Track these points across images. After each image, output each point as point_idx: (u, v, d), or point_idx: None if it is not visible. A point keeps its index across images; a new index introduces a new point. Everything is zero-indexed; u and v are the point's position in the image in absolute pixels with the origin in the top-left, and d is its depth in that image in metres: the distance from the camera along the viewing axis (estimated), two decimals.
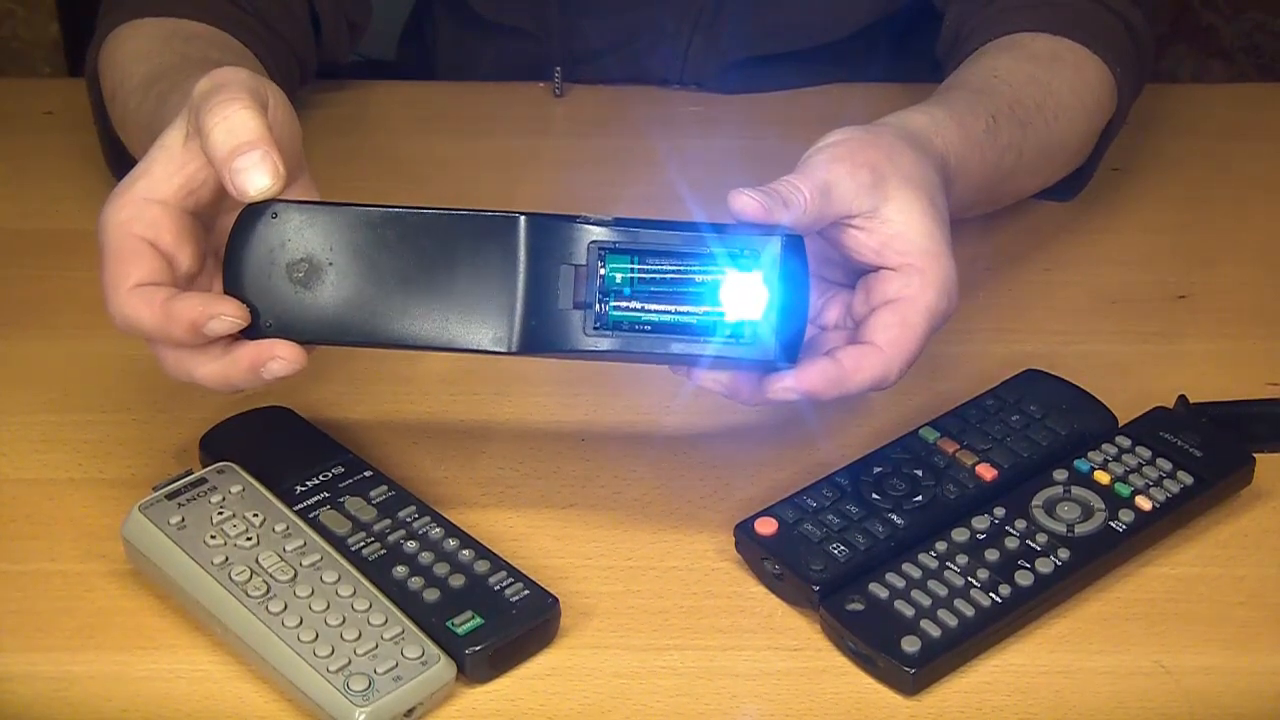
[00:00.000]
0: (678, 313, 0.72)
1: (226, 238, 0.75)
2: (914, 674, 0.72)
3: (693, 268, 0.72)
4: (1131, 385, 0.88)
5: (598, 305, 0.72)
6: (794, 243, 0.72)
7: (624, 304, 0.72)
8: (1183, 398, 0.87)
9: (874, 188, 0.77)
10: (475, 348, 0.73)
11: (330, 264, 0.73)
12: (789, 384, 0.75)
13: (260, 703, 0.72)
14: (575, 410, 0.89)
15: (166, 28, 0.98)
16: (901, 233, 0.77)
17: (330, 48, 1.12)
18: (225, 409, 0.85)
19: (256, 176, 0.72)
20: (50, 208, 1.08)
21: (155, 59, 0.94)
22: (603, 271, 0.72)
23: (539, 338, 0.72)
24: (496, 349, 0.72)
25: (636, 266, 0.72)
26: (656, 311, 0.72)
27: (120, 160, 1.03)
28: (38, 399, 0.90)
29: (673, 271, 0.72)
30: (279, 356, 0.73)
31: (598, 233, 0.71)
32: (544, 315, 0.72)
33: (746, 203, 0.73)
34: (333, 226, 0.73)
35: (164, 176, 0.73)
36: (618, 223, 0.72)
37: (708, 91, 1.21)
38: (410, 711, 0.70)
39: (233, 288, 0.73)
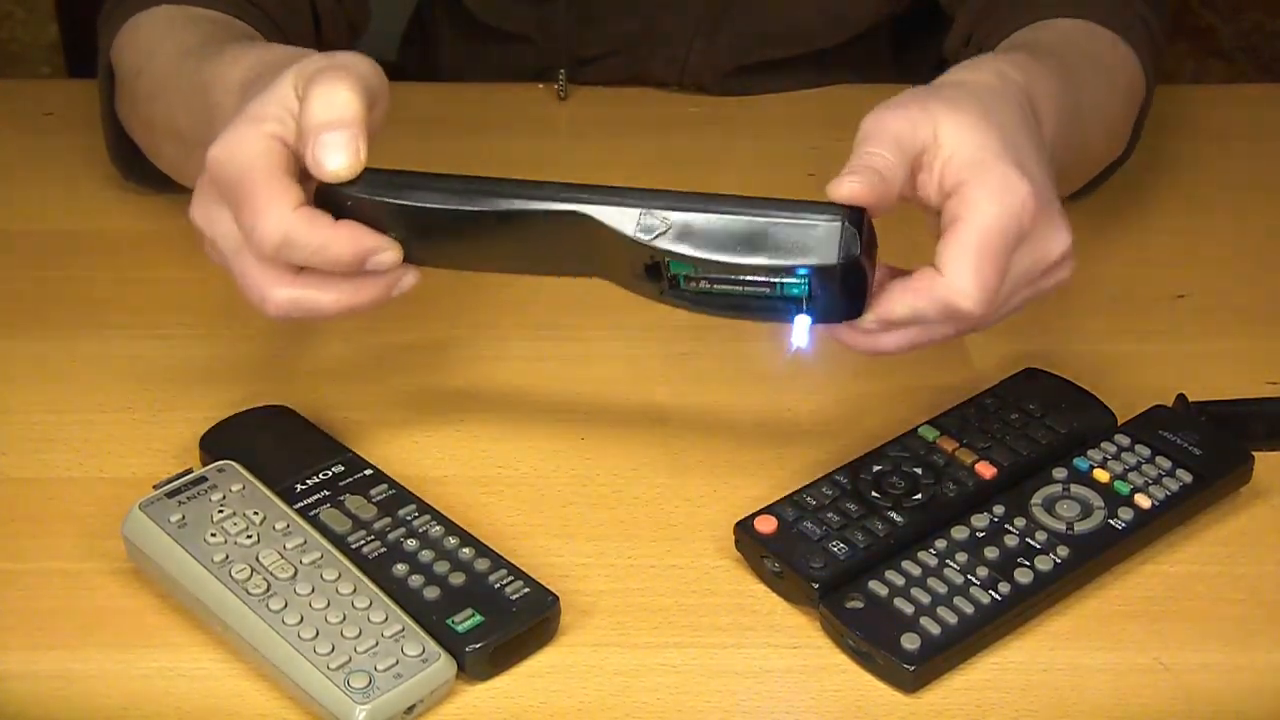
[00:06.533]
0: (745, 289, 0.73)
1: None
2: (913, 671, 0.72)
3: (757, 254, 0.72)
4: (1131, 384, 0.88)
5: (666, 284, 0.73)
6: (854, 215, 0.71)
7: (693, 283, 0.73)
8: (1182, 396, 0.87)
9: (923, 114, 0.74)
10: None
11: (404, 244, 0.75)
12: (870, 323, 0.73)
13: (260, 700, 0.72)
14: (576, 409, 0.89)
15: (185, 13, 0.97)
16: (951, 155, 0.73)
17: (329, 46, 1.12)
18: (226, 408, 0.86)
19: (336, 154, 0.72)
20: (50, 208, 1.08)
21: (185, 34, 0.94)
22: (669, 265, 0.73)
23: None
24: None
25: (700, 256, 0.72)
26: (724, 287, 0.73)
27: (124, 153, 1.02)
28: (38, 398, 0.90)
29: (737, 258, 0.72)
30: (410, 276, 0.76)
31: (657, 229, 0.72)
32: (620, 282, 0.75)
33: (854, 189, 0.71)
34: (405, 219, 0.74)
35: (280, 116, 0.74)
36: (676, 204, 0.72)
37: (710, 94, 1.21)
38: (410, 709, 0.70)
39: None
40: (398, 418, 0.88)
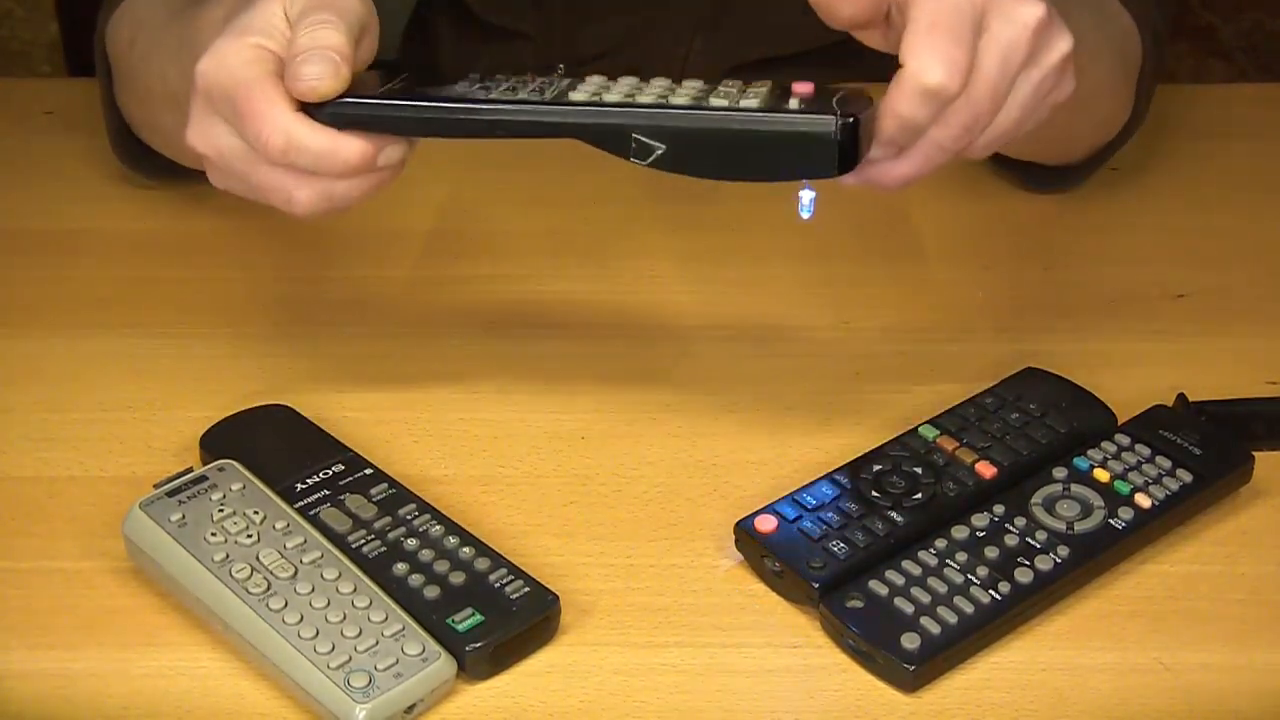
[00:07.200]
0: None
1: None
2: (913, 671, 0.72)
3: (753, 171, 0.73)
4: (1131, 383, 0.88)
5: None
6: (849, 125, 0.71)
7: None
8: (1182, 396, 0.87)
9: None
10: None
11: None
12: (876, 153, 0.73)
13: (261, 700, 0.72)
14: (576, 408, 0.89)
15: None
16: None
17: None
18: (226, 407, 0.86)
19: (317, 65, 0.72)
20: (50, 208, 1.08)
21: (175, 3, 0.94)
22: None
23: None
24: None
25: (697, 174, 0.73)
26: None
27: (125, 142, 1.02)
28: (38, 397, 0.90)
29: (732, 176, 0.73)
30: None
31: (652, 152, 0.73)
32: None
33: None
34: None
35: (267, 31, 0.74)
36: (669, 124, 0.73)
37: None
38: (410, 708, 0.70)
39: None
40: (398, 417, 0.88)
